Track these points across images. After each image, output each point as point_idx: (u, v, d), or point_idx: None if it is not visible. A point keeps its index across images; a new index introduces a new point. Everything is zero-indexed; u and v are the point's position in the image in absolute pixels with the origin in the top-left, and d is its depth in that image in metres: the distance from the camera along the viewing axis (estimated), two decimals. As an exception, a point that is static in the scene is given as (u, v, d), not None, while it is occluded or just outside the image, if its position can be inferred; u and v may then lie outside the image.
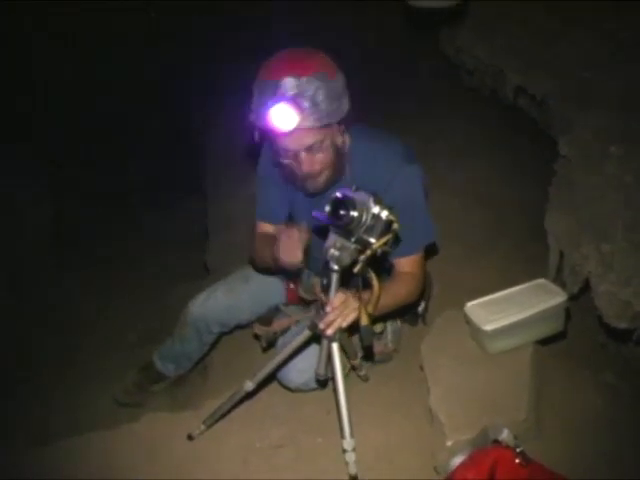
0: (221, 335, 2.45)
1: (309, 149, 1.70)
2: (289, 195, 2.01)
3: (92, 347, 3.25)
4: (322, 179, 1.80)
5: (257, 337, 2.22)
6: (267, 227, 2.09)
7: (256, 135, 1.73)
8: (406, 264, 1.93)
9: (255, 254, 2.10)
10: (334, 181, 1.83)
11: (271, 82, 1.60)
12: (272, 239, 1.84)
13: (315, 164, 1.74)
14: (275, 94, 1.59)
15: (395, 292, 1.91)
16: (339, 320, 1.63)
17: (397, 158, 1.84)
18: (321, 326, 1.65)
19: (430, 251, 2.14)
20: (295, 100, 1.58)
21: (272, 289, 2.26)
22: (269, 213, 2.09)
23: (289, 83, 1.58)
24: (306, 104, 1.59)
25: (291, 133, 1.63)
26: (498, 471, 1.46)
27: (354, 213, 1.46)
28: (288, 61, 1.65)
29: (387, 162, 1.84)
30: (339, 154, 1.80)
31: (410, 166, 1.85)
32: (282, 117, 1.58)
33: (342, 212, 1.46)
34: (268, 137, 1.73)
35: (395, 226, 1.50)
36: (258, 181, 2.09)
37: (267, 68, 1.65)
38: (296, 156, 1.72)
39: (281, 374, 2.04)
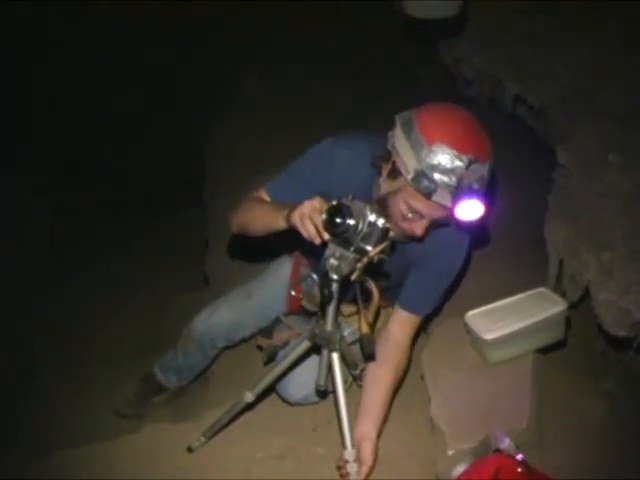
0: (225, 349, 2.46)
1: (433, 221, 1.67)
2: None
3: (92, 358, 3.24)
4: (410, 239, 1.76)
5: (260, 348, 2.22)
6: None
7: (386, 173, 1.68)
8: (404, 320, 1.94)
9: (246, 208, 1.90)
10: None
11: (457, 155, 1.51)
12: (279, 203, 1.77)
13: (423, 232, 1.69)
14: (462, 178, 1.51)
15: (388, 385, 1.92)
16: None
17: (457, 235, 1.83)
18: None
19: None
20: (479, 193, 1.53)
21: (274, 303, 2.26)
22: (284, 195, 1.84)
23: (479, 171, 1.54)
24: (481, 192, 1.55)
25: (435, 204, 1.58)
26: (500, 480, 1.46)
27: (350, 221, 1.44)
28: (475, 138, 1.58)
29: (447, 235, 1.81)
30: None
31: (464, 246, 1.87)
32: (470, 211, 1.53)
33: (338, 220, 1.45)
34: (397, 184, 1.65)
35: (392, 234, 1.50)
36: (300, 170, 1.87)
37: (445, 132, 1.55)
38: (418, 217, 1.66)
39: (280, 387, 2.04)
